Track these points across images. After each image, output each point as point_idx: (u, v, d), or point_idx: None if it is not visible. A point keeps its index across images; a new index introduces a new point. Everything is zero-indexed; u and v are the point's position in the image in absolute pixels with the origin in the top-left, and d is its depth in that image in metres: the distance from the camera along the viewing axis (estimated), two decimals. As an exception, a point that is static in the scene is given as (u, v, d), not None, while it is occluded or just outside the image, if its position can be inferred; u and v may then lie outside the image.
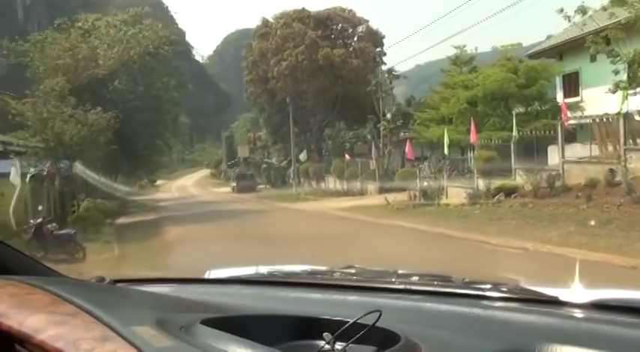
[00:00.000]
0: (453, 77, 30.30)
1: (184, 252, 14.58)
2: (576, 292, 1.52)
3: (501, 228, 14.45)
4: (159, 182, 74.94)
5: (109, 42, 25.92)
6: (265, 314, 1.39)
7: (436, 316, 1.49)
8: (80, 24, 26.90)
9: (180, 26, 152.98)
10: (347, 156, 34.12)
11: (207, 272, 2.14)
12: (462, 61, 33.27)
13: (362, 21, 41.10)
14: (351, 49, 39.32)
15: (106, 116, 21.58)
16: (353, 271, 2.08)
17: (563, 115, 20.55)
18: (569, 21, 15.96)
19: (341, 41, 40.77)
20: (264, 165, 48.57)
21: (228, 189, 49.18)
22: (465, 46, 33.24)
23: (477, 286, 1.68)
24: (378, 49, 38.76)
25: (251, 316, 1.38)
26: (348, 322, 1.19)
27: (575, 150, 19.96)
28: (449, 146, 24.28)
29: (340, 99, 39.59)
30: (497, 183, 20.13)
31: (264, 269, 2.15)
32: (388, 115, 32.42)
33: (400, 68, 35.91)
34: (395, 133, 31.39)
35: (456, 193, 22.62)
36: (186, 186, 63.49)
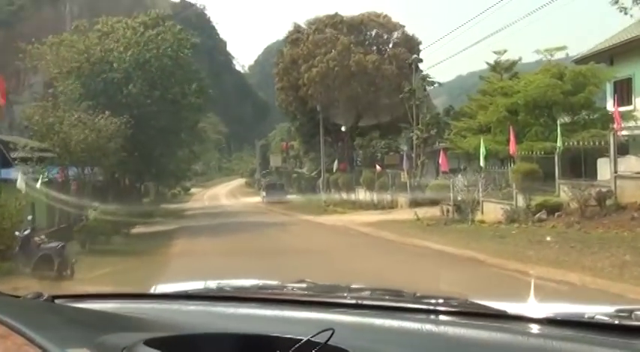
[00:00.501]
0: (492, 84, 28.12)
1: (181, 268, 13.20)
2: (526, 306, 1.56)
3: (542, 253, 12.27)
4: (193, 190, 74.72)
5: (126, 44, 24.73)
6: (213, 333, 1.36)
7: (388, 332, 1.48)
8: (99, 26, 25.92)
9: (221, 36, 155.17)
10: (378, 166, 32.18)
11: (153, 287, 2.07)
12: (503, 67, 31.07)
13: (397, 26, 39.15)
14: (385, 55, 37.38)
15: (116, 121, 20.32)
16: (304, 285, 2.07)
17: (615, 124, 18.15)
18: (626, 13, 13.70)
19: (375, 47, 38.90)
20: (295, 175, 47.04)
21: (259, 198, 47.88)
22: (505, 51, 31.08)
23: (428, 301, 1.68)
24: (414, 56, 36.66)
25: (198, 335, 1.34)
26: (299, 340, 1.18)
27: (629, 164, 17.52)
28: (486, 157, 22.11)
29: (373, 107, 37.73)
30: (538, 199, 17.91)
31: (212, 284, 2.12)
32: (422, 124, 30.37)
33: (442, 78, 33.61)
34: (429, 143, 29.27)
35: (492, 209, 20.50)
36: (219, 194, 62.73)
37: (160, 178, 34.71)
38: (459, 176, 24.51)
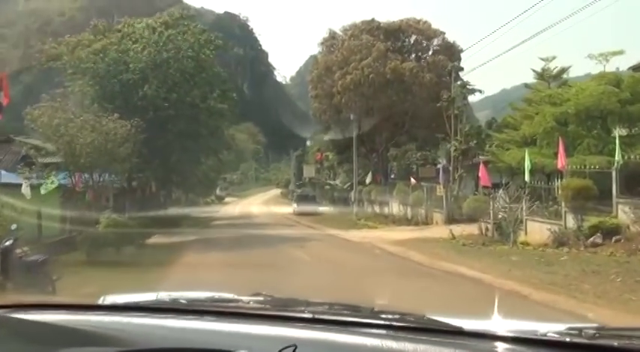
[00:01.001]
0: (539, 92, 25.74)
1: (179, 285, 11.51)
2: (482, 323, 1.58)
3: (601, 288, 9.93)
4: (228, 199, 73.74)
5: (144, 44, 23.25)
6: (165, 348, 1.33)
7: (346, 348, 1.49)
8: (120, 27, 24.58)
9: (263, 48, 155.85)
10: (412, 179, 29.96)
11: (102, 298, 1.95)
12: (550, 75, 28.56)
13: (437, 33, 36.90)
14: (423, 62, 35.17)
15: (126, 124, 18.82)
16: (261, 299, 2.03)
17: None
18: None
19: (413, 55, 36.72)
20: (327, 187, 45.04)
21: (291, 209, 46.16)
22: (554, 58, 28.58)
23: (386, 316, 1.69)
24: (454, 63, 34.31)
25: (150, 350, 1.31)
26: None
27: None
28: (531, 171, 19.77)
29: (410, 117, 35.53)
30: (592, 220, 15.49)
31: (165, 296, 2.04)
32: (460, 135, 28.05)
33: (486, 92, 30.81)
34: (468, 156, 26.89)
35: (537, 229, 18.14)
36: (252, 204, 61.27)
37: (184, 186, 33.21)
38: (501, 191, 22.16)
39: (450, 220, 25.22)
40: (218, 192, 78.01)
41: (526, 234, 18.54)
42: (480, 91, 27.57)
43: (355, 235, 23.43)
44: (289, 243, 19.83)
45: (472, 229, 21.28)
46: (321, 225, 30.58)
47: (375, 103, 35.04)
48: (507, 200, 20.53)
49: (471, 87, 27.21)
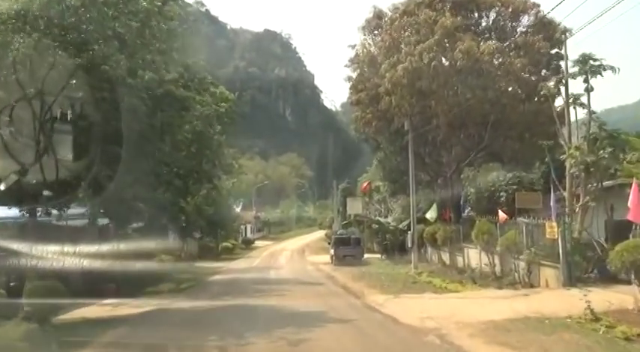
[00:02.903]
0: None
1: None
2: None
3: None
4: (259, 243, 66.64)
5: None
6: None
7: None
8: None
9: (308, 69, 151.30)
10: (500, 213, 21.19)
11: None
12: None
13: (529, 6, 28.43)
14: (510, 44, 26.65)
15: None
16: None
17: None
18: None
19: (494, 35, 28.26)
20: (376, 226, 36.55)
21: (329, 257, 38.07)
22: None
23: None
24: (555, 50, 25.73)
25: None
26: None
27: None
28: None
29: (492, 122, 26.99)
30: None
31: None
32: (577, 141, 19.28)
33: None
34: (597, 174, 17.99)
35: None
36: (285, 250, 53.66)
37: (164, 226, 25.49)
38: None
39: (574, 280, 16.42)
40: (249, 234, 70.83)
41: None
42: (613, 69, 18.61)
43: (412, 308, 14.76)
44: (281, 330, 11.58)
45: (619, 298, 12.88)
46: (361, 282, 22.29)
47: (439, 104, 26.67)
48: None
49: (597, 61, 18.41)
